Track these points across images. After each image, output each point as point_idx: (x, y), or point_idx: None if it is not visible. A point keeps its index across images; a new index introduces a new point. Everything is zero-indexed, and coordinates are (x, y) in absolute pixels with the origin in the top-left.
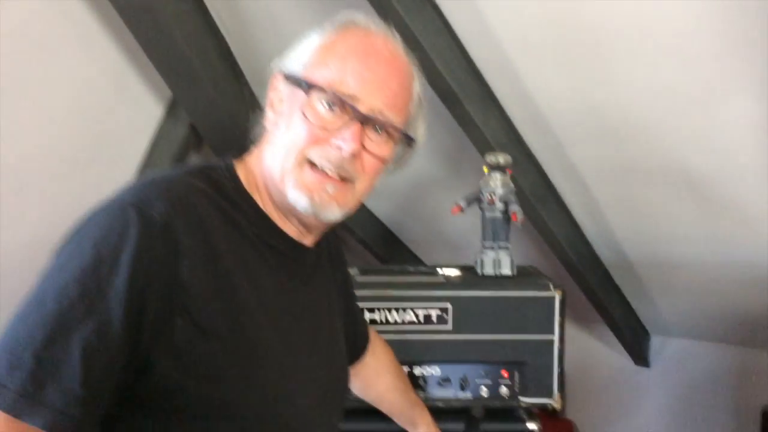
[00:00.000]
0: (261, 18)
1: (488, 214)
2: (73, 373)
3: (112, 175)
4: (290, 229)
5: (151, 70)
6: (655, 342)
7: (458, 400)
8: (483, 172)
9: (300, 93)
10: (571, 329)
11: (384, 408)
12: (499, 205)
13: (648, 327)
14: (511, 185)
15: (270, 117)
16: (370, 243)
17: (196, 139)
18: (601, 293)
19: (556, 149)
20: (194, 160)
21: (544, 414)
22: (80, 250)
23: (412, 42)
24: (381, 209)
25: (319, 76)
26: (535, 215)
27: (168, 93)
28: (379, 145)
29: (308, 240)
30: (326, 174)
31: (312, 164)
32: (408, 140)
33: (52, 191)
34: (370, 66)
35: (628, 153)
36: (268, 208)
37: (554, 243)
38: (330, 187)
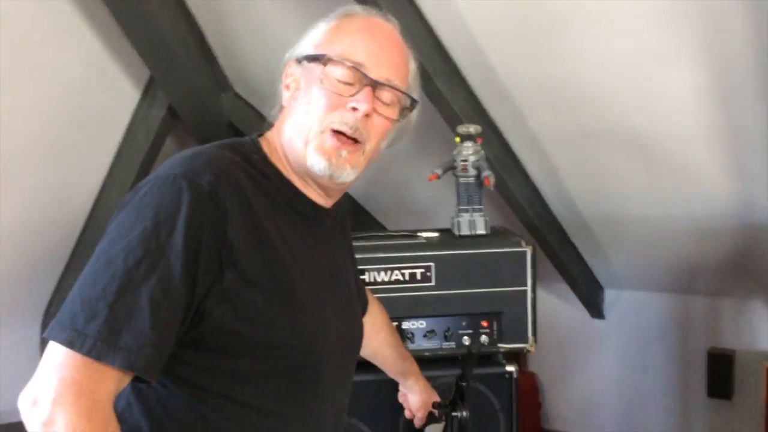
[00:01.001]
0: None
1: (462, 180)
2: (143, 320)
3: (93, 158)
4: (312, 194)
5: (127, 55)
6: (609, 295)
7: (443, 349)
8: (452, 142)
9: (315, 68)
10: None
11: (378, 362)
12: (472, 171)
13: (602, 281)
14: (482, 152)
15: (286, 95)
16: None
17: (172, 121)
18: (560, 251)
19: (517, 119)
20: (169, 143)
21: None
22: (141, 216)
23: None
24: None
25: (331, 51)
26: (500, 181)
27: (144, 77)
28: (387, 107)
29: (328, 203)
30: (343, 138)
31: (332, 131)
32: (412, 102)
33: (34, 178)
34: (375, 40)
35: (582, 120)
36: (292, 176)
37: (517, 206)
38: (344, 152)
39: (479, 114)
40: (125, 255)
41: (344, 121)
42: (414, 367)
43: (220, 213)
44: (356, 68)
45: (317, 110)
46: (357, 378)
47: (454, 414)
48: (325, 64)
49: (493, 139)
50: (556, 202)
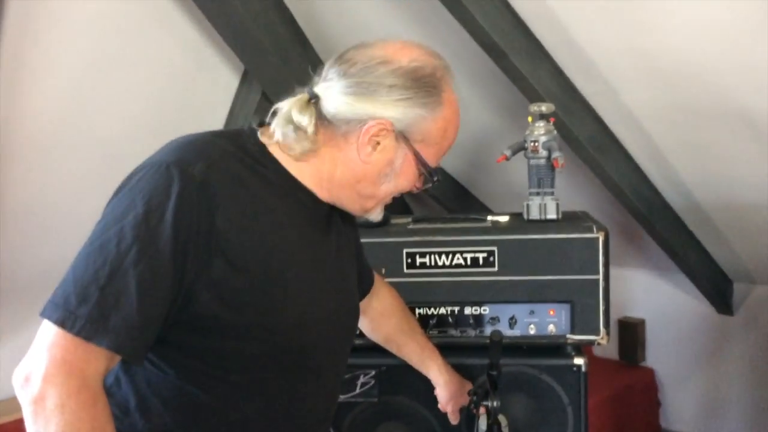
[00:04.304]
0: None
1: (533, 162)
2: (131, 304)
3: None
4: (313, 188)
5: (225, 44)
6: (739, 289)
7: (507, 337)
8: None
9: (415, 165)
10: (648, 277)
11: (393, 350)
12: (543, 153)
13: (729, 274)
14: (555, 132)
15: (368, 153)
16: (441, 197)
17: (269, 104)
18: (673, 240)
19: (611, 96)
20: None
21: (624, 363)
22: (133, 203)
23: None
24: (450, 165)
25: (430, 154)
26: (594, 163)
27: (241, 64)
28: None
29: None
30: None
31: None
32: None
33: (141, 160)
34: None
35: (681, 95)
36: (300, 173)
37: (617, 190)
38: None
39: (568, 91)
40: (117, 240)
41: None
42: (435, 357)
43: (210, 202)
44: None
45: (397, 191)
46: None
47: (484, 403)
48: (427, 172)
49: (587, 117)
50: (666, 186)
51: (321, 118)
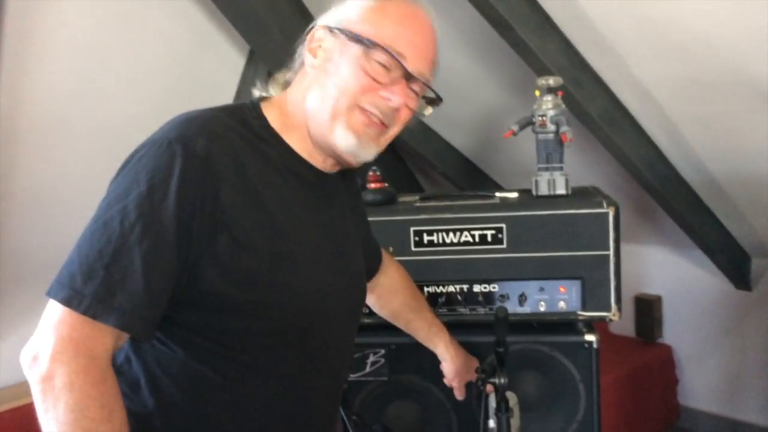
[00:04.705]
0: None
1: (541, 137)
2: (136, 281)
3: None
4: (315, 160)
5: (229, 26)
6: (757, 264)
7: (517, 314)
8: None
9: (354, 47)
10: (664, 254)
11: (401, 325)
12: (551, 127)
13: (747, 249)
14: (563, 107)
15: (313, 62)
16: (452, 175)
17: None
18: (689, 215)
19: (622, 69)
20: None
21: (641, 340)
22: (136, 180)
23: None
24: (459, 141)
25: (375, 35)
26: (606, 137)
27: (247, 45)
28: (413, 99)
29: (333, 170)
30: (371, 119)
31: (361, 108)
32: (438, 99)
33: None
34: (417, 32)
35: (694, 67)
36: (300, 143)
37: (630, 165)
38: (372, 131)
39: (578, 65)
40: (121, 218)
41: (375, 104)
42: (443, 334)
43: (213, 177)
44: (398, 59)
45: (350, 88)
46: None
47: (492, 381)
48: (368, 47)
49: (598, 91)
50: (680, 160)
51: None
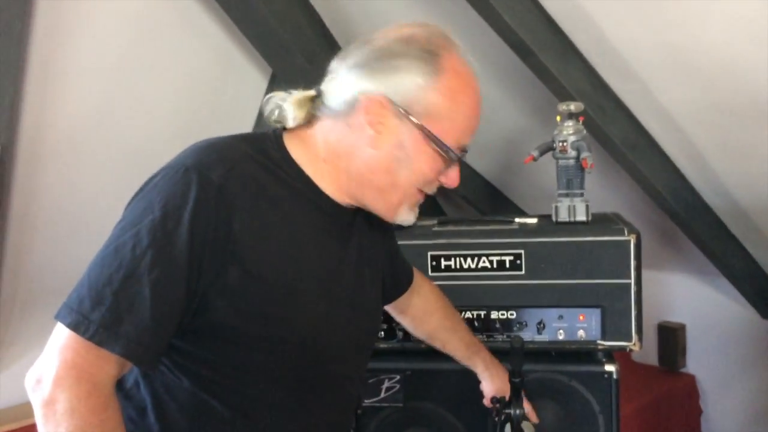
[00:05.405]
0: None
1: (561, 163)
2: (144, 309)
3: None
4: (335, 195)
5: (252, 46)
6: None
7: (535, 342)
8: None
9: (428, 148)
10: (688, 281)
11: (438, 346)
12: (572, 153)
13: None
14: (584, 132)
15: (373, 137)
16: (473, 199)
17: None
18: (713, 243)
19: (645, 94)
20: None
21: (664, 369)
22: (150, 207)
23: None
24: (481, 165)
25: (448, 135)
26: (628, 163)
27: (269, 67)
28: None
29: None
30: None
31: (420, 191)
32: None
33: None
34: (478, 118)
35: (718, 93)
36: (322, 179)
37: (653, 191)
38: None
39: (599, 89)
40: (133, 244)
41: (433, 188)
42: (480, 352)
43: (227, 207)
44: (464, 152)
45: (420, 182)
46: (447, 367)
47: (506, 411)
48: (444, 151)
49: (620, 116)
50: (705, 187)
51: (328, 115)
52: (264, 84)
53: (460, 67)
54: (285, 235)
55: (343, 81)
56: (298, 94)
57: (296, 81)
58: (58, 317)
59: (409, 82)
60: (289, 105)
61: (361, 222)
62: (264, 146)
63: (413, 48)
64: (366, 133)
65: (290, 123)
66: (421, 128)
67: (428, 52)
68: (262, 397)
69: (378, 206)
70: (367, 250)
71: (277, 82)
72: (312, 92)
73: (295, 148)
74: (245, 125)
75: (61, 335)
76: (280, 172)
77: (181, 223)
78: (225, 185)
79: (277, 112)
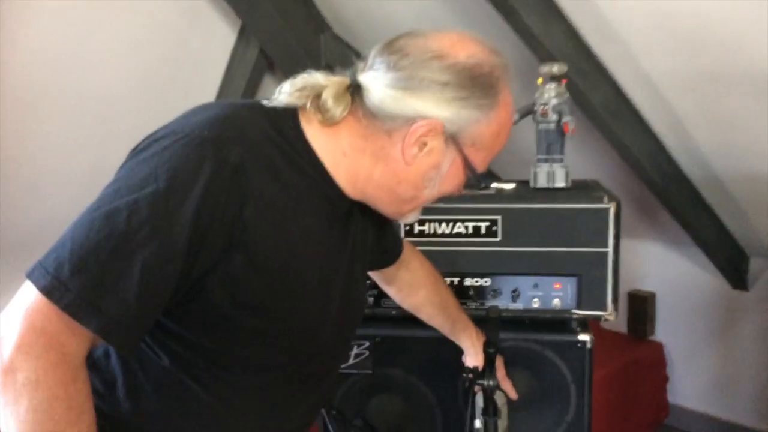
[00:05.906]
0: None
1: (542, 127)
2: (130, 288)
3: (193, 99)
4: (345, 187)
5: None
6: (755, 264)
7: (509, 310)
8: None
9: (462, 173)
10: (660, 250)
11: (423, 318)
12: (553, 117)
13: (746, 248)
14: (567, 95)
15: (413, 154)
16: None
17: (267, 61)
18: (688, 212)
19: (628, 60)
20: (268, 81)
21: (633, 336)
22: (155, 174)
23: None
24: None
25: (482, 162)
26: (608, 129)
27: (239, 20)
28: None
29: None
30: None
31: None
32: None
33: (135, 119)
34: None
35: (705, 62)
36: (335, 167)
37: (631, 159)
38: None
39: (582, 53)
40: (129, 213)
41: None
42: (467, 329)
43: (240, 191)
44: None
45: (438, 196)
46: (417, 334)
47: (480, 382)
48: (475, 178)
49: (601, 81)
50: (684, 156)
51: (364, 111)
52: (232, 37)
53: (508, 99)
54: (295, 226)
55: (397, 94)
56: (335, 86)
57: (266, 33)
58: (31, 277)
59: (467, 116)
60: (330, 98)
61: (356, 211)
62: (282, 125)
63: (478, 82)
64: (407, 149)
65: (336, 118)
66: (465, 158)
67: (490, 87)
68: (243, 385)
69: (389, 209)
70: (359, 243)
71: (246, 36)
72: (347, 80)
73: (314, 134)
74: (212, 80)
75: (31, 296)
76: (296, 157)
77: (187, 200)
78: (241, 166)
79: (308, 103)
